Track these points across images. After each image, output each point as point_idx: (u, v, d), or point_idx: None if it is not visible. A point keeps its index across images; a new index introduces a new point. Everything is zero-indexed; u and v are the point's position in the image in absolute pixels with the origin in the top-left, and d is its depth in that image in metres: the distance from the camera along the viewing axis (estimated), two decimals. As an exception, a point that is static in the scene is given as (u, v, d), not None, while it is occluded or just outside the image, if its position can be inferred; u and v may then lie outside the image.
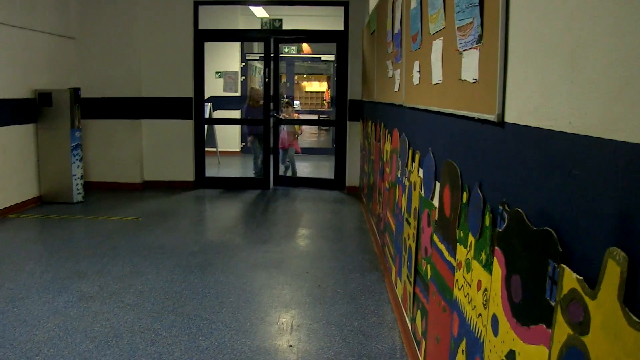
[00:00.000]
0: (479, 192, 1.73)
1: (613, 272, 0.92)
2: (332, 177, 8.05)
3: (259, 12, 10.13)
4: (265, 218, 6.25)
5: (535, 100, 1.33)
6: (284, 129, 8.41)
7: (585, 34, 1.08)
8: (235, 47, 11.68)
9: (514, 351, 1.38)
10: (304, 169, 9.87)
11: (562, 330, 1.11)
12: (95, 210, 6.43)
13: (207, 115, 9.64)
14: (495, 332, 1.52)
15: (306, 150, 11.95)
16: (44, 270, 4.25)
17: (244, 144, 11.70)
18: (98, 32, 7.43)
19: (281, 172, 8.43)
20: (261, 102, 7.90)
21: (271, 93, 7.97)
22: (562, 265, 1.12)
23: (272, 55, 8.01)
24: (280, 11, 10.15)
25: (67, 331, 3.20)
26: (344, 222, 6.06)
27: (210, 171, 8.55)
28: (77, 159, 6.76)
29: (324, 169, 8.25)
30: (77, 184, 6.76)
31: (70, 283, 3.97)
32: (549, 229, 1.20)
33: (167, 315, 3.45)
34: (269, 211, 6.60)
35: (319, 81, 22.71)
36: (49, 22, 6.79)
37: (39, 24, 6.57)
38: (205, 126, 8.60)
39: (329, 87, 20.49)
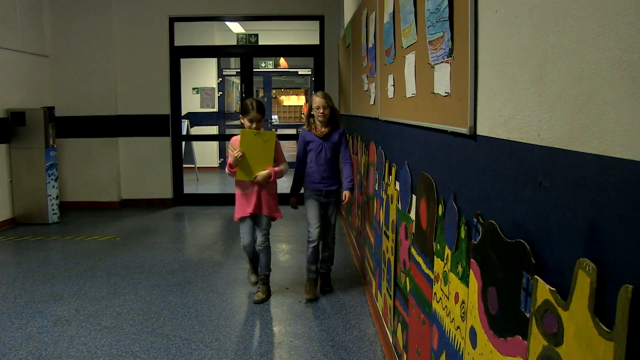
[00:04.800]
0: (454, 204, 1.74)
1: (583, 283, 0.93)
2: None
3: (235, 27, 10.15)
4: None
5: (505, 113, 1.34)
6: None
7: (550, 48, 1.10)
8: (212, 63, 11.66)
9: (492, 363, 1.38)
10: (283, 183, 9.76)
11: (537, 341, 1.11)
12: (72, 230, 6.32)
13: (184, 132, 9.58)
14: (474, 345, 1.53)
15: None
16: (17, 294, 4.15)
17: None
18: (72, 50, 7.37)
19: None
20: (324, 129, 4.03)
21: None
22: (536, 276, 1.13)
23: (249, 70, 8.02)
24: (256, 26, 10.18)
25: (41, 358, 3.11)
26: (325, 236, 6.04)
27: (189, 188, 8.48)
28: (52, 179, 6.65)
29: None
30: (52, 204, 6.64)
31: (45, 307, 3.88)
32: (522, 240, 1.21)
33: (146, 336, 3.39)
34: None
35: (296, 95, 22.81)
36: (22, 40, 6.71)
37: (11, 42, 6.49)
38: (183, 143, 8.55)
39: (306, 101, 20.57)
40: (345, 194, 3.97)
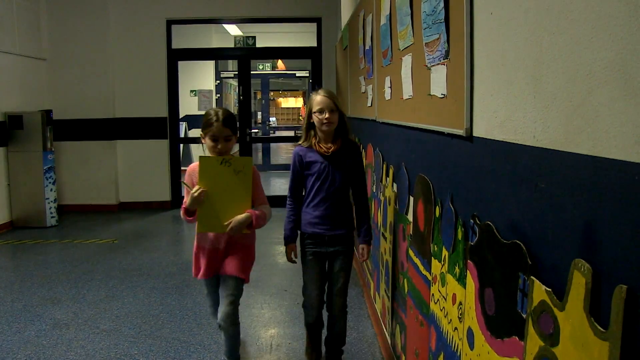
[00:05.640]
0: (451, 205, 1.74)
1: (579, 284, 0.93)
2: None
3: (233, 30, 10.16)
4: (243, 236, 6.20)
5: (501, 115, 1.35)
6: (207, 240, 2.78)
7: (545, 49, 1.11)
8: (209, 65, 11.68)
9: (490, 364, 1.38)
10: (282, 185, 9.75)
11: (533, 342, 1.12)
12: (70, 233, 6.31)
13: (182, 135, 9.58)
14: (471, 346, 1.53)
15: (282, 167, 11.90)
16: (15, 298, 4.14)
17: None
18: (70, 53, 7.37)
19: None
20: (330, 145, 2.76)
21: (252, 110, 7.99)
22: (532, 277, 1.14)
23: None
24: (254, 28, 10.20)
25: (40, 360, 3.11)
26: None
27: (187, 190, 8.47)
28: (50, 182, 6.64)
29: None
30: (50, 208, 6.63)
31: (43, 310, 3.87)
32: (518, 241, 1.22)
33: (145, 339, 3.38)
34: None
35: (294, 97, 22.83)
36: (19, 44, 6.71)
37: (9, 46, 6.49)
38: (181, 145, 8.55)
39: (304, 103, 20.56)
40: (363, 248, 2.81)
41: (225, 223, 2.56)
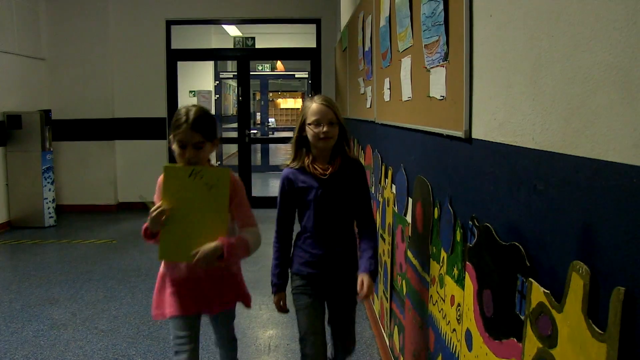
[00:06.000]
0: (450, 207, 1.74)
1: (577, 285, 0.94)
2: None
3: (232, 30, 10.17)
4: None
5: (500, 117, 1.35)
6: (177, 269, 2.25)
7: (544, 52, 1.11)
8: (209, 66, 11.68)
9: (488, 366, 1.39)
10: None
11: (532, 343, 1.12)
12: (68, 233, 6.31)
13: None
14: (470, 347, 1.53)
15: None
16: (13, 298, 4.13)
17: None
18: (69, 53, 7.37)
19: None
20: (328, 166, 2.19)
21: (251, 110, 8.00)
22: (530, 279, 1.14)
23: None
24: (253, 29, 10.20)
25: (38, 360, 3.11)
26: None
27: (186, 191, 8.46)
28: (48, 182, 6.63)
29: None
30: (48, 208, 6.63)
31: (41, 311, 3.87)
32: (517, 243, 1.22)
33: (143, 340, 3.38)
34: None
35: (293, 98, 22.84)
36: (18, 43, 6.70)
37: (8, 45, 6.48)
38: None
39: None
40: (363, 279, 2.12)
41: (193, 252, 2.02)
